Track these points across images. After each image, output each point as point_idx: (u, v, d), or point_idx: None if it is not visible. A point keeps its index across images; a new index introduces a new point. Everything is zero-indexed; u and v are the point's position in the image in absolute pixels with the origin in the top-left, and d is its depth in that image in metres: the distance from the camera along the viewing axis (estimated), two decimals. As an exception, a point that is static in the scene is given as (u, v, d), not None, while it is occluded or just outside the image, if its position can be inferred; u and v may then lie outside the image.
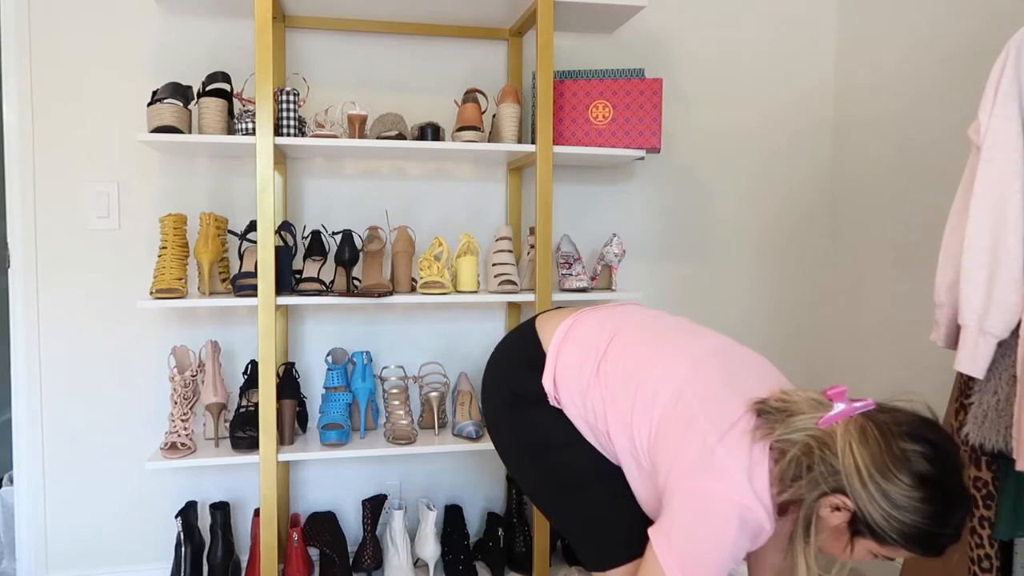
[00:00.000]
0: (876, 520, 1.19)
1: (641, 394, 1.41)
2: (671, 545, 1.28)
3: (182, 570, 2.29)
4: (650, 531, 1.33)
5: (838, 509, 1.23)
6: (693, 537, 1.26)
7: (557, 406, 1.54)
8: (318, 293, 2.21)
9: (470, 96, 2.34)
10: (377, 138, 2.26)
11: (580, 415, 1.51)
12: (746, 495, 1.24)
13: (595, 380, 1.48)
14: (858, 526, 1.22)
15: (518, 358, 1.62)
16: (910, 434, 1.21)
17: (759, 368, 1.44)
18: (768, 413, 1.28)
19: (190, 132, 2.18)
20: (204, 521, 2.46)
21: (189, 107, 2.20)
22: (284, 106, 2.16)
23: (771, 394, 1.32)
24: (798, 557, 1.26)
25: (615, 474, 1.51)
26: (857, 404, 1.25)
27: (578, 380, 1.51)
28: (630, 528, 1.48)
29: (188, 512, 2.32)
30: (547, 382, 1.54)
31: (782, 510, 1.31)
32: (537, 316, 1.69)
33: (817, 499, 1.23)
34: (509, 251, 2.37)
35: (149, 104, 2.12)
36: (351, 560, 2.42)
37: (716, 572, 1.27)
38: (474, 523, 2.68)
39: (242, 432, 2.19)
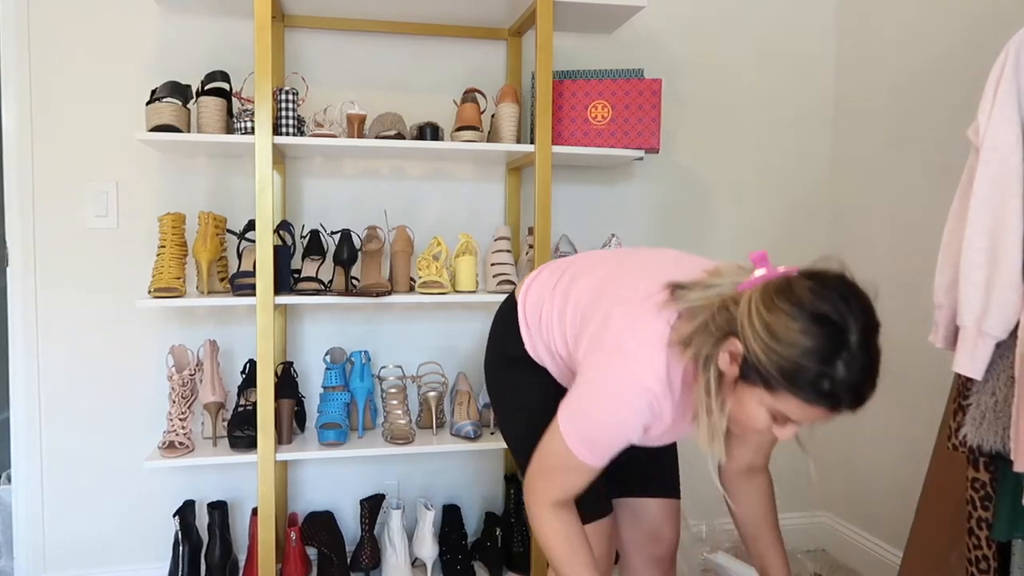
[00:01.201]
0: (759, 356, 1.12)
1: (572, 295, 1.46)
2: (574, 419, 1.32)
3: (180, 569, 2.29)
4: (560, 407, 1.35)
5: (734, 360, 1.18)
6: (593, 410, 1.29)
7: (537, 359, 1.57)
8: (316, 292, 2.21)
9: (469, 96, 2.34)
10: (376, 138, 2.26)
11: (547, 352, 1.54)
12: (645, 370, 1.24)
13: (549, 305, 1.52)
14: (746, 370, 1.15)
15: (503, 323, 1.65)
16: (804, 272, 1.18)
17: (704, 265, 1.39)
18: (683, 289, 1.26)
19: (189, 131, 2.18)
20: (202, 520, 2.46)
21: (188, 106, 2.20)
22: (283, 105, 2.16)
23: (698, 276, 1.29)
24: (700, 412, 1.24)
25: None
26: (781, 269, 1.21)
27: (538, 314, 1.54)
28: (598, 487, 1.50)
29: (186, 511, 2.32)
30: (522, 328, 1.58)
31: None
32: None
33: (712, 350, 1.20)
34: (508, 251, 2.37)
35: (148, 103, 2.12)
36: (349, 560, 2.42)
37: (612, 442, 1.30)
38: (472, 523, 2.68)
39: (240, 431, 2.19)
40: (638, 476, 1.69)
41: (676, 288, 1.27)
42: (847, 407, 1.12)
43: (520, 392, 1.61)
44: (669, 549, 1.69)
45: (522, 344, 1.58)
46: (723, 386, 1.21)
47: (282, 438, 2.25)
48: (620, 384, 1.27)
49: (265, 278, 2.10)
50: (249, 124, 2.14)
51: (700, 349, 1.21)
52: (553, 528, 1.38)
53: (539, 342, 1.55)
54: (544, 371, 1.58)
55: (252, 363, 2.38)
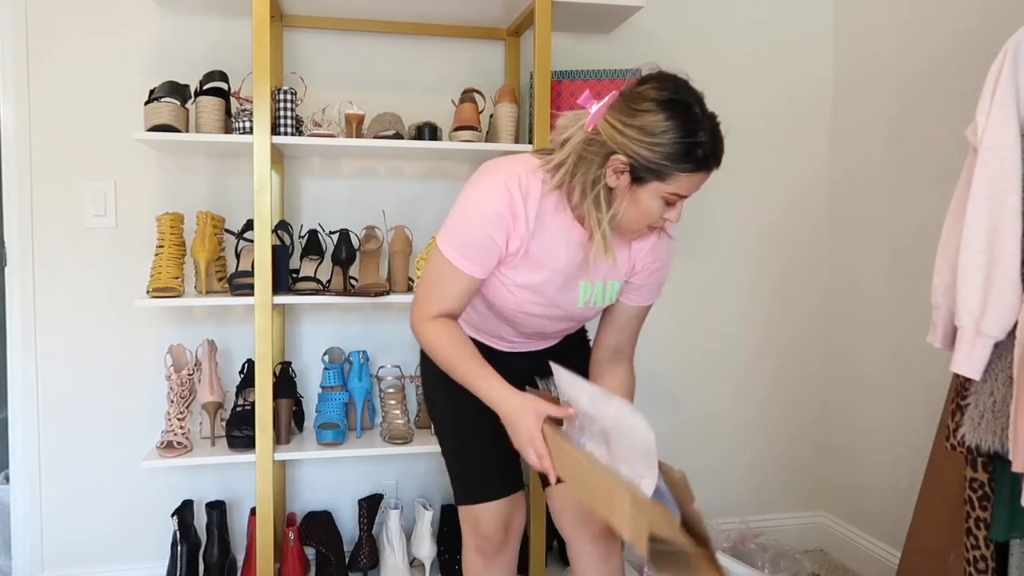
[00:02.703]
0: (645, 156, 1.35)
1: None
2: (446, 229, 1.51)
3: (178, 569, 2.29)
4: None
5: (618, 173, 1.39)
6: (459, 213, 1.49)
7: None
8: (315, 292, 2.21)
9: (467, 96, 2.34)
10: (374, 137, 2.26)
11: None
12: (514, 171, 1.48)
13: None
14: (638, 173, 1.38)
15: None
16: (641, 81, 1.42)
17: None
18: (543, 151, 1.52)
19: (187, 131, 2.18)
20: (200, 520, 2.46)
21: (186, 106, 2.20)
22: (281, 105, 2.16)
23: None
24: (594, 228, 1.43)
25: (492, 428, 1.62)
26: (605, 98, 1.42)
27: None
28: (490, 473, 1.69)
29: (184, 511, 2.32)
30: None
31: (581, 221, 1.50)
32: None
33: (598, 172, 1.41)
34: (506, 251, 2.37)
35: (146, 103, 2.11)
36: (347, 559, 2.42)
37: (479, 240, 1.48)
38: (471, 523, 2.68)
39: (238, 431, 2.19)
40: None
41: (536, 151, 1.55)
42: (715, 164, 1.40)
43: (447, 384, 1.64)
44: (605, 528, 1.72)
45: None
46: (611, 199, 1.43)
47: (280, 438, 2.25)
48: (481, 186, 1.49)
49: (263, 278, 2.10)
50: (247, 124, 2.14)
51: (586, 176, 1.42)
52: (437, 334, 1.52)
53: None
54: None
55: (250, 363, 2.38)
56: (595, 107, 1.42)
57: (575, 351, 1.84)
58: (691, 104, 1.37)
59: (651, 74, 1.43)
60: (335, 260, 2.31)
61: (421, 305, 1.55)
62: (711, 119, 1.39)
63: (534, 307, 1.62)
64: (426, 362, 1.78)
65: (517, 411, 1.44)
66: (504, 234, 1.49)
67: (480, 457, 1.73)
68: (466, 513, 1.72)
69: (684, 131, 1.34)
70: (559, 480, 1.44)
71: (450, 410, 1.74)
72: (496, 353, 1.76)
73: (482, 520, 1.70)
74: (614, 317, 1.70)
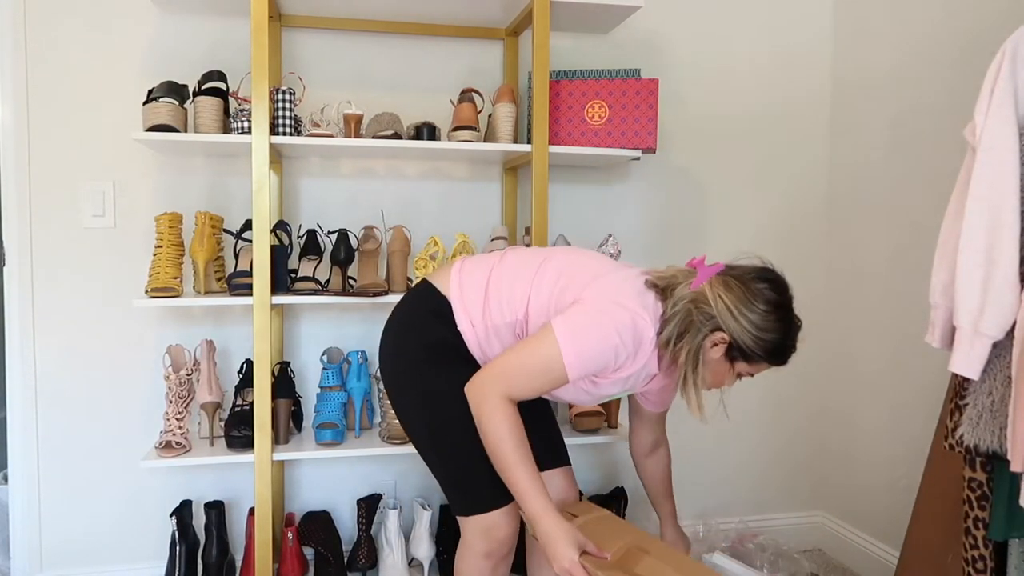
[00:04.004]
0: (747, 343, 1.57)
1: (543, 269, 1.70)
2: (572, 332, 1.55)
3: (177, 569, 2.29)
4: (553, 321, 1.57)
5: (717, 345, 1.58)
6: (592, 327, 1.55)
7: (471, 332, 1.72)
8: (313, 292, 2.21)
9: (466, 96, 2.34)
10: (373, 137, 2.26)
11: (490, 322, 1.71)
12: (640, 312, 1.57)
13: (498, 271, 1.73)
14: (733, 352, 1.59)
15: (423, 312, 1.76)
16: (757, 276, 1.61)
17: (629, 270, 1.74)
18: (655, 285, 1.64)
19: (186, 131, 2.18)
20: (199, 520, 2.46)
21: (185, 106, 2.20)
22: (280, 105, 2.16)
23: (650, 271, 1.69)
24: (689, 391, 1.60)
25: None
26: (712, 267, 1.61)
27: (479, 286, 1.72)
28: (492, 483, 1.69)
29: (183, 511, 2.32)
30: (456, 308, 1.72)
31: (669, 366, 1.67)
32: (423, 278, 1.85)
33: (702, 340, 1.57)
34: (505, 251, 2.37)
35: (145, 103, 2.11)
36: (346, 559, 2.41)
37: (596, 360, 1.56)
38: (469, 523, 2.68)
39: (237, 431, 2.19)
40: (538, 455, 1.85)
41: (647, 280, 1.65)
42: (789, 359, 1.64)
43: (442, 379, 1.70)
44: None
45: (454, 325, 1.72)
46: (704, 360, 1.60)
47: (279, 438, 2.24)
48: (615, 316, 1.56)
49: (262, 278, 2.10)
50: (246, 124, 2.13)
51: (692, 341, 1.58)
52: (508, 421, 1.54)
53: (477, 316, 1.71)
54: (464, 360, 1.72)
55: (249, 363, 2.38)
56: (701, 272, 1.61)
57: None
58: (792, 310, 1.61)
59: (769, 272, 1.62)
60: (334, 260, 2.31)
61: (504, 381, 1.56)
62: (799, 326, 1.63)
63: (578, 397, 1.75)
64: (418, 365, 1.73)
65: (559, 538, 1.52)
66: (621, 364, 1.61)
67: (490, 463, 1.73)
68: (480, 520, 1.70)
69: (786, 335, 1.59)
70: None
71: (457, 420, 1.69)
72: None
73: (499, 525, 1.70)
74: (644, 421, 1.94)
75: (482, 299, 1.71)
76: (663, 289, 1.63)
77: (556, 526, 1.52)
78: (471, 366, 1.71)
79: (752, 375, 1.65)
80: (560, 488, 1.87)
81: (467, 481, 1.70)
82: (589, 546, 1.54)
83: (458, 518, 1.74)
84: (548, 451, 1.88)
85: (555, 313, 1.64)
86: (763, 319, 1.56)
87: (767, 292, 1.58)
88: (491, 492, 1.69)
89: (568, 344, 1.54)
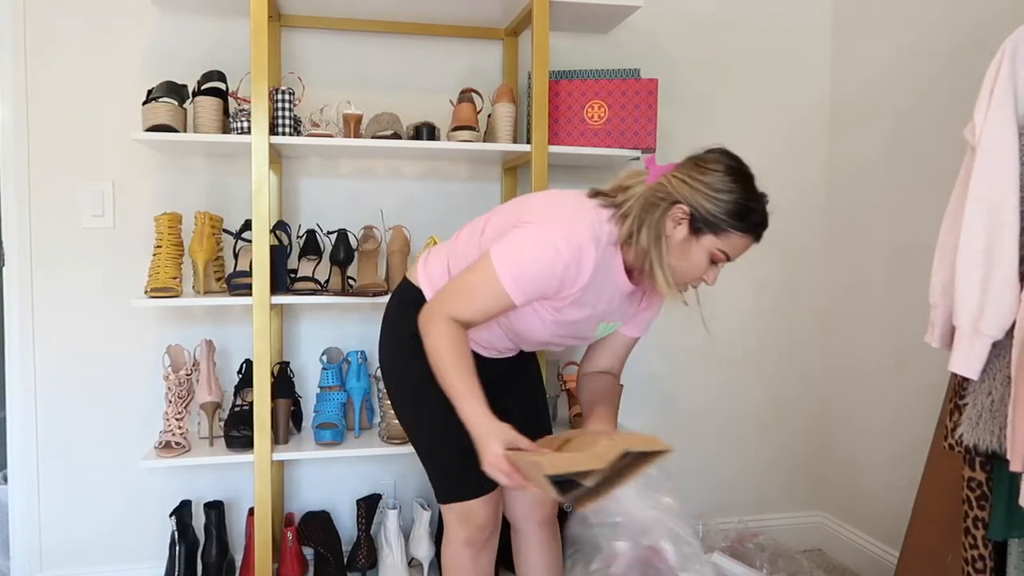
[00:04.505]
0: (708, 208, 1.50)
1: (487, 225, 1.68)
2: (507, 253, 1.52)
3: (176, 569, 2.29)
4: (492, 247, 1.56)
5: (679, 221, 1.52)
6: (527, 246, 1.52)
7: None
8: (313, 292, 2.21)
9: (465, 96, 2.34)
10: (372, 137, 2.26)
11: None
12: (574, 220, 1.53)
13: (454, 246, 1.74)
14: (697, 223, 1.51)
15: (403, 305, 1.79)
16: (708, 150, 1.58)
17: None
18: (604, 195, 1.60)
19: (185, 131, 2.18)
20: (198, 520, 2.45)
21: (184, 106, 2.19)
22: (280, 105, 2.16)
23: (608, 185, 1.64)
24: (655, 270, 1.54)
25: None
26: (666, 165, 1.57)
27: (442, 266, 1.74)
28: (473, 472, 1.65)
29: (182, 511, 2.32)
30: (428, 294, 1.73)
31: (641, 278, 1.62)
32: (404, 276, 1.89)
33: (660, 218, 1.52)
34: (504, 251, 2.36)
35: (144, 103, 2.11)
36: (345, 559, 2.41)
37: (535, 278, 1.52)
38: (469, 523, 2.68)
39: (237, 431, 2.19)
40: None
41: (593, 192, 1.62)
42: (761, 233, 1.56)
43: (425, 367, 1.67)
44: (553, 513, 1.89)
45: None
46: (668, 245, 1.54)
47: (278, 438, 2.24)
48: (562, 228, 1.52)
49: (261, 278, 2.10)
50: (245, 124, 2.13)
51: (650, 221, 1.53)
52: (449, 335, 1.53)
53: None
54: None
55: (248, 363, 2.38)
56: (654, 168, 1.57)
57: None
58: (753, 178, 1.56)
59: (716, 148, 1.58)
60: (333, 260, 2.31)
61: (447, 303, 1.56)
62: (763, 195, 1.56)
63: (555, 337, 1.71)
64: (405, 358, 1.76)
65: (488, 434, 1.48)
66: (563, 281, 1.54)
67: (473, 451, 1.76)
68: (458, 507, 1.73)
69: (745, 195, 1.51)
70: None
71: (439, 406, 1.72)
72: (477, 357, 1.79)
73: (477, 512, 1.72)
74: (608, 343, 1.84)
75: (446, 277, 1.72)
76: (610, 193, 1.60)
77: (487, 426, 1.49)
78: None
79: (728, 258, 1.55)
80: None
81: (448, 468, 1.73)
82: (522, 443, 1.49)
83: (440, 507, 1.78)
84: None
85: None
86: (719, 180, 1.51)
87: (719, 158, 1.55)
88: (471, 480, 1.70)
89: (503, 262, 1.52)
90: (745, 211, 1.51)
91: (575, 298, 1.59)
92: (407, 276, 1.85)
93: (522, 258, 1.51)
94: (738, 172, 1.54)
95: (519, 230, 1.54)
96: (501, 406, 1.84)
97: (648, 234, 1.53)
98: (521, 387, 1.92)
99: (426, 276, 1.77)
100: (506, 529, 2.51)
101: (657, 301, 1.78)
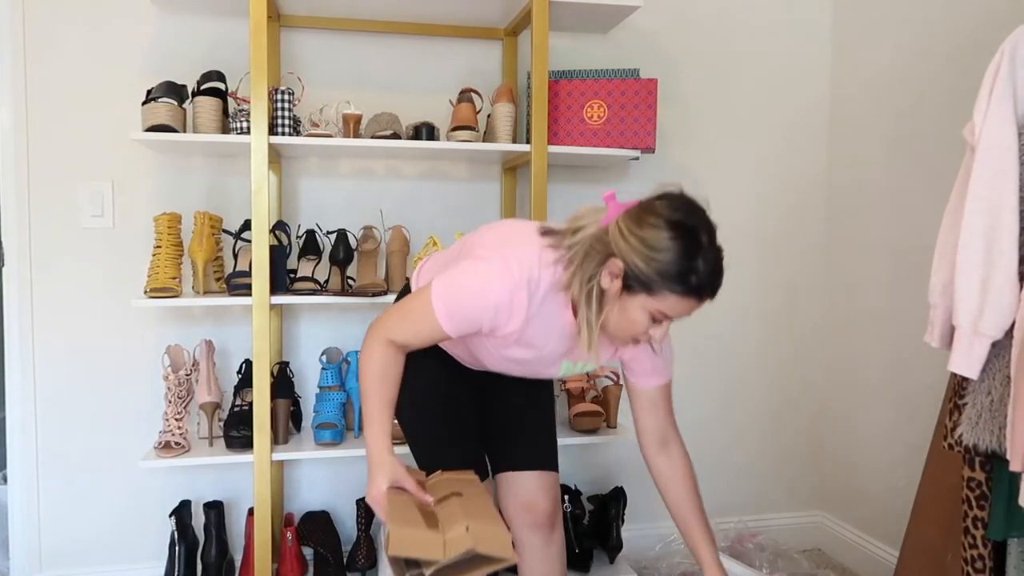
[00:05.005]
0: (640, 267, 1.36)
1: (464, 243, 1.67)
2: (445, 285, 1.50)
3: (176, 569, 2.29)
4: (437, 276, 1.56)
5: (614, 276, 1.40)
6: (463, 281, 1.49)
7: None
8: (312, 292, 2.21)
9: (465, 96, 2.34)
10: (372, 137, 2.26)
11: None
12: (511, 260, 1.47)
13: (447, 257, 1.72)
14: (629, 281, 1.38)
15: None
16: (659, 196, 1.43)
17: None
18: (554, 234, 1.51)
19: (185, 131, 2.18)
20: (198, 520, 2.45)
21: (184, 106, 2.19)
22: (279, 105, 2.16)
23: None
24: (581, 326, 1.46)
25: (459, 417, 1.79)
26: (627, 202, 1.45)
27: (432, 274, 1.73)
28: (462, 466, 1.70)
29: (182, 511, 2.32)
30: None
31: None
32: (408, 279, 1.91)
33: (596, 270, 1.42)
34: (504, 251, 2.36)
35: (144, 103, 2.11)
36: (345, 559, 2.41)
37: (467, 313, 1.49)
38: (469, 523, 2.68)
39: (236, 431, 2.19)
40: (515, 451, 1.84)
41: (546, 230, 1.53)
42: (709, 296, 1.39)
43: (416, 366, 1.71)
44: (546, 518, 1.81)
45: None
46: (603, 301, 1.43)
47: (278, 438, 2.24)
48: (492, 268, 1.48)
49: (261, 278, 2.10)
50: (245, 124, 2.13)
51: (584, 274, 1.43)
52: (381, 356, 1.53)
53: None
54: (434, 349, 1.72)
55: (248, 363, 2.38)
56: (612, 208, 1.45)
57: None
58: (698, 231, 1.37)
59: (670, 192, 1.43)
60: (333, 260, 2.31)
61: (388, 325, 1.56)
62: (715, 251, 1.38)
63: (512, 370, 1.69)
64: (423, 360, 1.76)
65: (377, 467, 1.49)
66: (495, 322, 1.51)
67: (463, 447, 1.77)
68: None
69: (684, 254, 1.34)
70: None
71: (427, 407, 1.78)
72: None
73: None
74: (641, 402, 1.72)
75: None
76: (563, 233, 1.50)
77: (380, 458, 1.49)
78: (435, 356, 1.77)
79: (669, 317, 1.41)
80: (529, 490, 1.82)
81: (437, 463, 1.74)
82: (408, 484, 1.49)
83: None
84: (530, 451, 1.85)
85: None
86: (654, 235, 1.35)
87: (663, 208, 1.39)
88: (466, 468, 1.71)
89: (440, 294, 1.50)
90: (681, 272, 1.35)
91: (516, 338, 1.56)
92: (410, 278, 1.86)
93: (457, 292, 1.49)
94: (679, 227, 1.36)
95: (465, 262, 1.53)
96: (509, 405, 1.87)
97: (581, 287, 1.44)
98: (529, 390, 1.91)
99: (416, 284, 1.80)
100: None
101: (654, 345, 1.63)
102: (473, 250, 1.56)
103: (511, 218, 1.68)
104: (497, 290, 1.47)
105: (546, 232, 1.53)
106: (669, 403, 1.73)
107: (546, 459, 1.86)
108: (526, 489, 1.83)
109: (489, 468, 1.86)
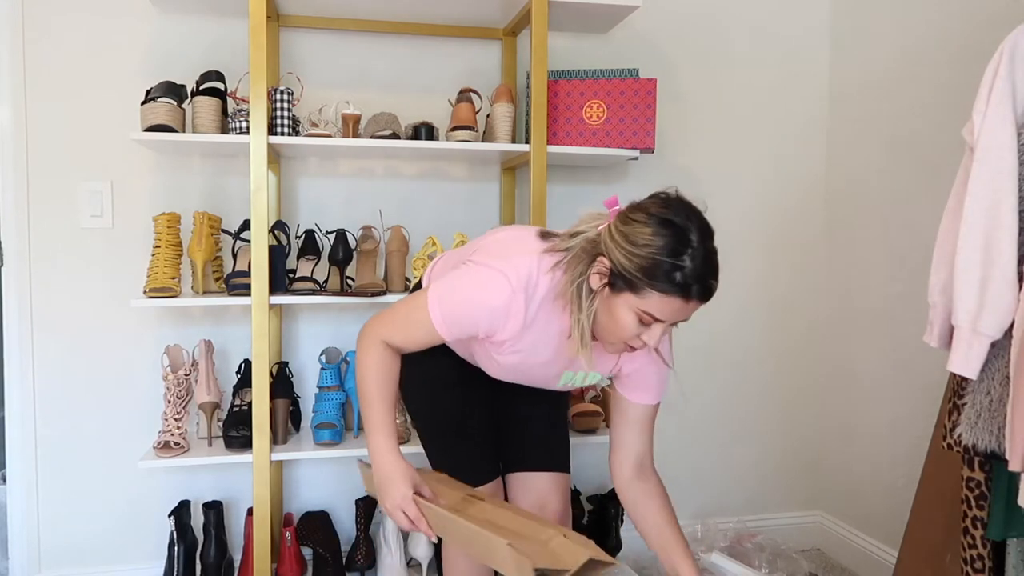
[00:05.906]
0: (622, 264, 1.33)
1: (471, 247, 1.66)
2: (442, 290, 1.51)
3: (175, 569, 2.29)
4: (434, 281, 1.59)
5: (601, 275, 1.39)
6: (460, 287, 1.50)
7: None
8: (312, 292, 2.21)
9: (464, 96, 2.34)
10: (371, 137, 2.26)
11: None
12: (507, 267, 1.46)
13: (456, 259, 1.71)
14: (613, 279, 1.36)
15: None
16: (651, 195, 1.41)
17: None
18: (553, 237, 1.52)
19: (184, 131, 2.18)
20: (197, 520, 2.46)
21: (183, 106, 2.19)
22: (278, 105, 2.16)
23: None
24: (573, 327, 1.45)
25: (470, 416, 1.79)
26: (624, 205, 1.43)
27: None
28: (471, 460, 1.75)
29: (181, 511, 2.32)
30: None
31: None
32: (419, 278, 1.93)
33: (586, 271, 1.41)
34: (503, 251, 2.36)
35: (143, 103, 2.11)
36: (344, 559, 2.41)
37: (462, 319, 1.49)
38: (468, 523, 2.68)
39: (235, 431, 2.19)
40: (527, 452, 1.85)
41: (545, 234, 1.54)
42: (697, 297, 1.33)
43: (424, 367, 1.76)
44: (558, 519, 1.82)
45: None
46: (593, 302, 1.42)
47: (277, 438, 2.24)
48: (488, 272, 1.47)
49: (260, 278, 2.09)
50: (244, 124, 2.13)
51: (575, 275, 1.42)
52: (379, 359, 1.54)
53: None
54: (442, 349, 1.72)
55: (247, 363, 2.38)
56: (612, 212, 1.44)
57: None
58: (687, 229, 1.33)
59: (663, 192, 1.41)
60: (332, 260, 2.31)
61: (384, 327, 1.56)
62: (705, 250, 1.33)
63: (510, 377, 1.68)
64: (411, 363, 1.76)
65: (394, 474, 1.50)
66: (491, 328, 1.50)
67: (475, 440, 1.77)
68: None
69: (668, 250, 1.31)
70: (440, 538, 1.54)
71: (437, 404, 1.79)
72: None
73: None
74: (626, 417, 1.68)
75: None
76: (562, 238, 1.49)
77: (394, 464, 1.50)
78: (449, 355, 1.78)
79: (658, 320, 1.35)
80: (541, 492, 1.82)
81: (448, 460, 1.76)
82: (424, 489, 1.51)
83: None
84: (542, 452, 1.86)
85: None
86: (638, 231, 1.33)
87: (649, 204, 1.37)
88: (478, 467, 1.72)
89: (436, 298, 1.51)
90: (665, 270, 1.30)
91: (510, 346, 1.55)
92: (408, 279, 1.85)
93: (452, 298, 1.50)
94: (665, 223, 1.33)
95: (462, 267, 1.54)
96: (522, 406, 1.87)
97: (573, 288, 1.43)
98: (542, 411, 1.89)
99: (427, 276, 1.81)
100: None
101: (648, 353, 1.60)
102: (473, 255, 1.56)
103: (514, 224, 1.66)
104: (493, 295, 1.46)
105: (546, 238, 1.53)
106: (652, 425, 1.70)
107: (558, 460, 1.87)
108: (538, 490, 1.83)
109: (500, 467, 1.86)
